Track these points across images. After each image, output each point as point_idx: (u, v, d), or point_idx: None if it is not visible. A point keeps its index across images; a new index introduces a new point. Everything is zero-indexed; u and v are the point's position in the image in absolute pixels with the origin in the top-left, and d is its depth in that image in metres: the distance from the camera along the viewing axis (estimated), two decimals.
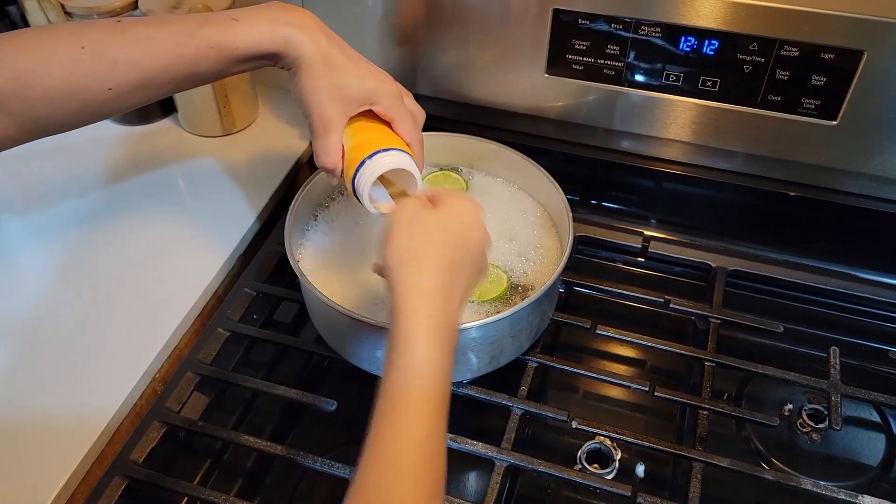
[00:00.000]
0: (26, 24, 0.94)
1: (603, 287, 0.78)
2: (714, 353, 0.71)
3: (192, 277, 0.77)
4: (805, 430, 0.70)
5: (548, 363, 0.71)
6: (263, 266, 0.80)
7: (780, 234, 0.82)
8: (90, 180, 0.88)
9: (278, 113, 0.98)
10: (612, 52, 0.73)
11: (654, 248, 0.82)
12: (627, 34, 0.72)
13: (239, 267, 0.81)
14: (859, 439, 0.71)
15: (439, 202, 0.54)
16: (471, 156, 0.80)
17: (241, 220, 0.83)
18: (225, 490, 0.63)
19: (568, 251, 0.67)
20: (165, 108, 0.97)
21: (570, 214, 0.70)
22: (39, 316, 0.73)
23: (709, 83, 0.72)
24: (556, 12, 0.72)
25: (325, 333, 0.71)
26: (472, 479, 0.67)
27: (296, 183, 0.91)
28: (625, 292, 0.78)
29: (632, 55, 0.73)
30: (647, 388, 0.68)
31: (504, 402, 0.67)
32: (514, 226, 0.75)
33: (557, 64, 0.76)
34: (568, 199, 0.72)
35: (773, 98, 0.71)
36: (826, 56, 0.67)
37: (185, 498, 0.64)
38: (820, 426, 0.69)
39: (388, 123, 0.62)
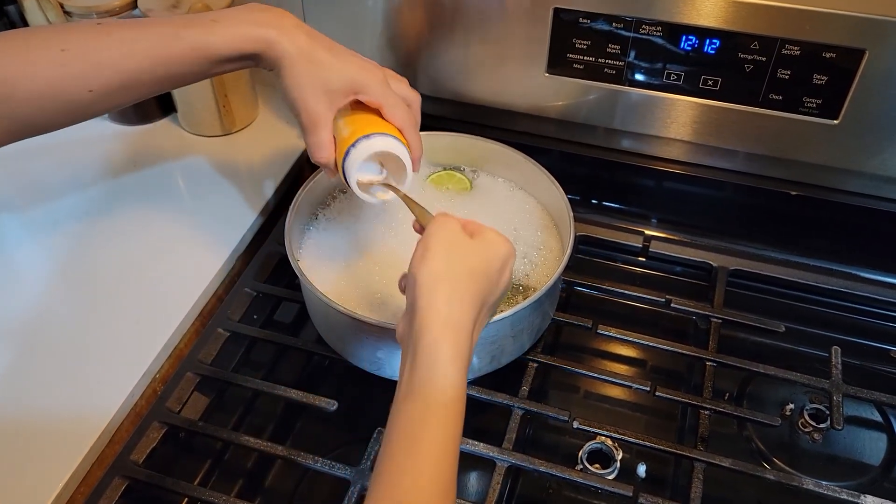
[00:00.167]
0: (25, 24, 0.94)
1: (604, 287, 0.78)
2: (715, 352, 0.71)
3: (192, 277, 0.76)
4: (806, 429, 0.70)
5: (549, 363, 0.71)
6: (263, 266, 0.80)
7: (781, 233, 0.82)
8: (90, 180, 0.87)
9: (278, 112, 0.98)
10: (612, 51, 0.73)
11: (654, 247, 0.82)
12: (628, 33, 0.71)
13: (239, 267, 0.81)
14: (861, 439, 0.71)
15: (476, 232, 0.52)
16: (472, 155, 0.80)
17: (240, 220, 0.83)
18: (225, 491, 0.63)
19: (569, 251, 0.67)
20: (165, 107, 0.97)
21: (571, 214, 0.70)
22: (39, 316, 0.73)
23: (710, 82, 0.72)
24: (557, 11, 0.72)
25: (326, 333, 0.70)
26: (473, 480, 0.67)
27: (296, 182, 0.91)
28: (626, 292, 0.77)
29: (633, 54, 0.73)
30: (648, 388, 0.68)
31: (505, 403, 0.67)
32: (517, 226, 0.75)
33: (558, 63, 0.76)
34: (568, 198, 0.72)
35: (775, 97, 0.71)
36: (827, 55, 0.66)
37: (186, 498, 0.64)
38: (821, 426, 0.69)
39: (378, 112, 0.62)
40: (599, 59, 0.74)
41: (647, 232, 0.84)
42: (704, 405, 0.67)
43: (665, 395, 0.68)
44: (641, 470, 0.66)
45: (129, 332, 0.71)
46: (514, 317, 0.62)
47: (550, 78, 0.77)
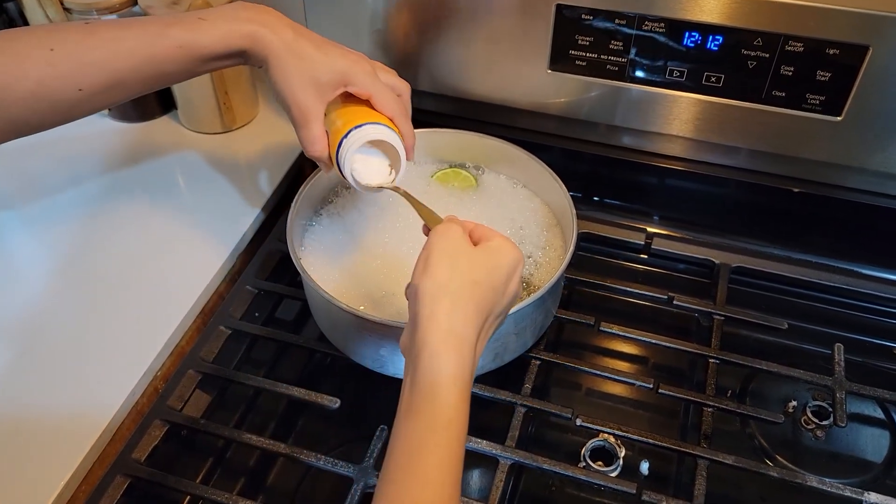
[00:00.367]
0: (25, 21, 0.94)
1: (606, 284, 0.77)
2: (718, 349, 0.71)
3: (193, 275, 0.76)
4: (809, 426, 0.70)
5: (552, 360, 0.70)
6: (265, 263, 0.80)
7: (783, 230, 0.82)
8: (90, 178, 0.87)
9: (279, 110, 0.97)
10: (615, 47, 0.73)
11: (657, 244, 0.82)
12: (631, 29, 0.71)
13: (240, 264, 0.81)
14: (863, 436, 0.71)
15: (483, 238, 0.51)
16: (475, 152, 0.79)
17: (241, 218, 0.83)
18: (227, 489, 0.62)
19: (571, 249, 0.67)
20: (165, 104, 0.96)
21: (574, 212, 0.70)
22: (39, 314, 0.72)
23: (713, 79, 0.72)
24: (560, 8, 0.72)
25: (328, 331, 0.70)
26: (476, 477, 0.67)
27: (296, 179, 0.91)
28: (628, 289, 0.77)
29: (635, 51, 0.72)
30: (651, 386, 0.68)
31: (508, 400, 0.67)
32: (522, 225, 0.75)
33: (560, 60, 0.76)
34: (570, 195, 0.71)
35: (778, 94, 0.70)
36: (831, 51, 0.66)
37: (188, 497, 0.64)
38: (824, 423, 0.69)
39: (368, 104, 0.62)
40: (602, 56, 0.74)
41: (649, 229, 0.84)
42: (707, 402, 0.67)
43: (668, 393, 0.68)
44: (644, 467, 0.66)
45: (130, 329, 0.71)
46: (517, 314, 0.61)
47: (552, 75, 0.77)
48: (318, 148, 0.62)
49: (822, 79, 0.68)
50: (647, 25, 0.71)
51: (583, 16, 0.72)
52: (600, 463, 0.65)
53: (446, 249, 0.49)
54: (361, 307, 0.63)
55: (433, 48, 0.80)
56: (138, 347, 0.69)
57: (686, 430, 0.70)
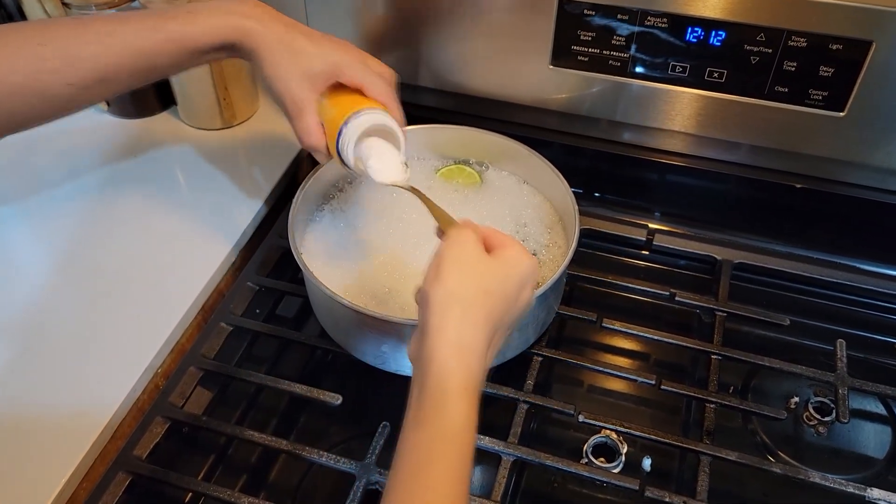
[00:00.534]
0: (23, 16, 0.93)
1: (608, 280, 0.77)
2: (720, 346, 0.71)
3: (194, 271, 0.76)
4: (811, 423, 0.70)
5: (554, 357, 0.70)
6: (266, 260, 0.79)
7: (785, 226, 0.82)
8: (89, 174, 0.87)
9: (279, 106, 0.97)
10: (617, 43, 0.73)
11: (658, 241, 0.82)
12: (633, 25, 0.71)
13: (240, 261, 0.81)
14: (866, 432, 0.71)
15: (497, 246, 0.50)
16: (477, 149, 0.79)
17: (242, 214, 0.82)
18: (229, 485, 0.62)
19: (574, 245, 0.66)
20: (164, 100, 0.96)
21: (577, 208, 0.69)
22: (39, 311, 0.72)
23: (715, 74, 0.72)
24: (562, 3, 0.72)
25: (329, 327, 0.70)
26: (478, 474, 0.67)
27: (297, 175, 0.90)
28: (630, 286, 0.77)
29: (637, 46, 0.72)
30: (653, 382, 0.68)
31: (510, 396, 0.66)
32: (527, 222, 0.74)
33: (562, 55, 0.75)
34: (572, 191, 0.71)
35: (780, 89, 0.70)
36: (834, 46, 0.66)
37: (190, 494, 0.64)
38: (826, 419, 0.69)
39: (359, 92, 0.63)
40: (604, 52, 0.74)
41: (650, 225, 0.84)
42: (710, 398, 0.67)
43: (670, 389, 0.67)
44: (647, 463, 0.66)
45: (131, 326, 0.71)
46: None
47: (554, 70, 0.77)
48: (314, 139, 0.62)
49: (825, 74, 0.68)
50: (649, 21, 0.70)
51: (585, 11, 0.72)
52: (602, 459, 0.65)
53: (459, 257, 0.48)
54: (363, 303, 0.63)
55: (434, 44, 0.80)
56: (139, 344, 0.69)
57: (688, 426, 0.70)
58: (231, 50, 0.62)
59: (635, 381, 0.70)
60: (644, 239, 0.82)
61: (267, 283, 0.77)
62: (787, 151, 0.75)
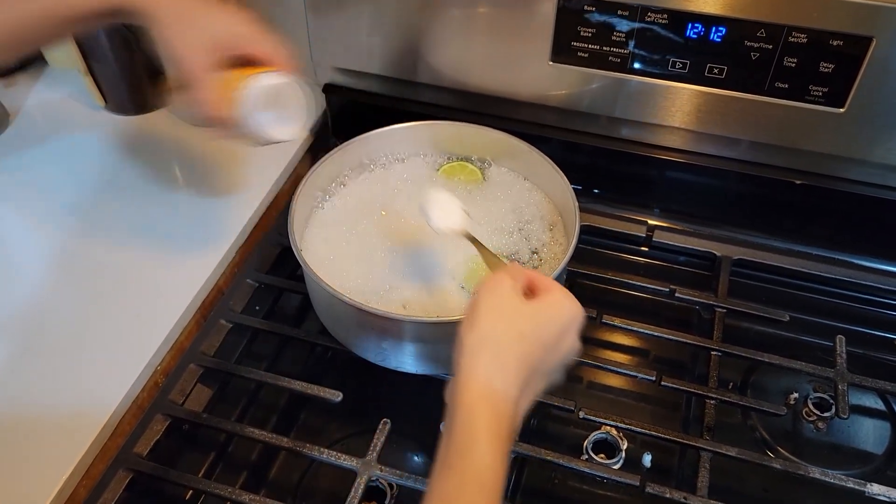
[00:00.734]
0: None
1: (608, 277, 0.77)
2: (720, 342, 0.71)
3: (193, 268, 0.76)
4: (811, 418, 0.70)
5: None
6: (265, 256, 0.79)
7: (785, 222, 0.82)
8: (87, 171, 0.86)
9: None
10: (617, 39, 0.72)
11: (658, 237, 0.82)
12: (633, 21, 0.71)
13: (239, 258, 0.80)
14: (865, 428, 0.71)
15: (540, 290, 0.49)
16: (477, 145, 0.79)
17: (241, 210, 0.82)
18: (230, 483, 0.62)
19: (574, 242, 0.66)
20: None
21: (577, 205, 0.69)
22: (38, 309, 0.72)
23: (715, 70, 0.72)
24: None
25: (330, 324, 0.70)
26: None
27: (296, 171, 0.90)
28: (630, 282, 0.77)
29: (637, 42, 0.72)
30: (653, 378, 0.68)
31: None
32: (529, 219, 0.74)
33: (562, 51, 0.75)
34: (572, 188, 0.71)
35: (781, 85, 0.70)
36: (834, 42, 0.66)
37: (190, 491, 0.64)
38: (826, 415, 0.69)
39: (260, 64, 0.61)
40: (604, 48, 0.73)
41: (650, 222, 0.84)
42: (710, 394, 0.67)
43: (670, 385, 0.68)
44: (647, 460, 0.67)
45: (130, 324, 0.71)
46: None
47: (554, 66, 0.76)
48: (212, 109, 0.59)
49: (826, 70, 0.68)
50: (649, 17, 0.70)
51: (585, 7, 0.71)
52: (603, 455, 0.65)
53: (493, 301, 0.47)
54: (364, 300, 0.63)
55: (434, 40, 0.80)
56: (138, 342, 0.69)
57: (688, 422, 0.70)
58: (116, 16, 0.59)
59: (635, 377, 0.70)
60: (644, 235, 0.82)
61: (266, 279, 0.77)
62: (787, 148, 0.75)
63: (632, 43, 0.72)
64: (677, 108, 0.76)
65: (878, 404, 0.72)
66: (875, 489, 0.60)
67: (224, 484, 0.61)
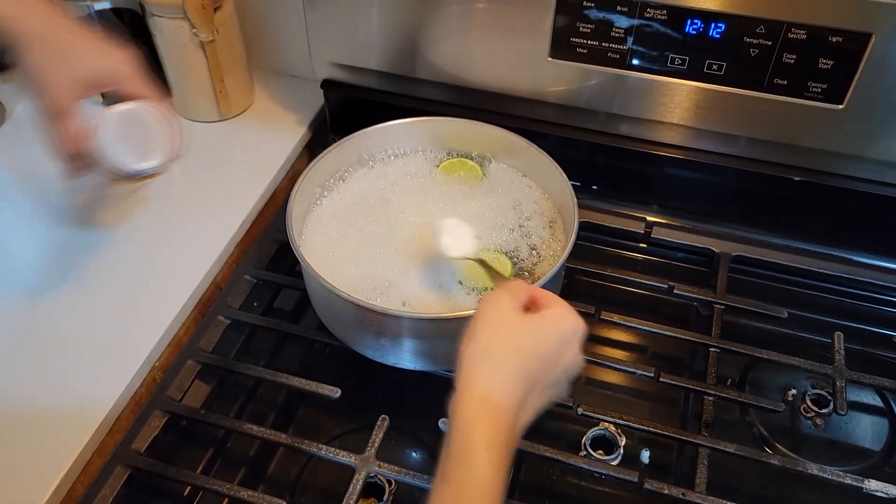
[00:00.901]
0: None
1: (606, 273, 0.77)
2: (718, 338, 0.71)
3: (191, 265, 0.76)
4: (809, 415, 0.70)
5: None
6: (263, 253, 0.79)
7: (783, 219, 0.82)
8: None
9: (275, 97, 0.97)
10: (616, 35, 0.72)
11: (656, 233, 0.82)
12: (632, 17, 0.71)
13: (237, 254, 0.80)
14: (863, 424, 0.71)
15: (542, 305, 0.49)
16: (475, 140, 0.79)
17: (238, 207, 0.82)
18: (228, 479, 0.62)
19: (573, 238, 0.66)
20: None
21: (575, 201, 0.69)
22: (36, 306, 0.72)
23: (714, 66, 0.71)
24: None
25: (328, 321, 0.70)
26: None
27: (295, 167, 0.90)
28: (628, 278, 0.77)
29: (636, 38, 0.72)
30: (651, 374, 0.68)
31: None
32: (530, 216, 0.74)
33: (561, 47, 0.75)
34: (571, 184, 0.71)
35: (780, 82, 0.70)
36: (833, 39, 0.66)
37: (188, 487, 0.64)
38: (824, 411, 0.70)
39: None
40: (603, 44, 0.73)
41: (648, 218, 0.84)
42: (708, 391, 0.67)
43: (669, 381, 0.68)
44: (645, 456, 0.67)
45: (128, 320, 0.71)
46: None
47: (552, 62, 0.76)
48: (75, 145, 0.59)
49: (825, 67, 0.68)
50: (648, 13, 0.70)
51: (584, 3, 0.71)
52: (601, 452, 0.66)
53: (491, 316, 0.48)
54: (362, 296, 0.63)
55: (433, 36, 0.79)
56: (136, 338, 0.69)
57: (686, 418, 0.70)
58: None
59: (634, 373, 0.70)
60: (642, 232, 0.82)
61: (265, 276, 0.77)
62: (786, 144, 0.75)
63: (630, 39, 0.72)
64: (676, 105, 0.76)
65: (876, 401, 0.73)
66: (873, 485, 0.60)
67: (222, 480, 0.61)
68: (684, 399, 0.72)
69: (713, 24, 0.69)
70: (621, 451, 0.65)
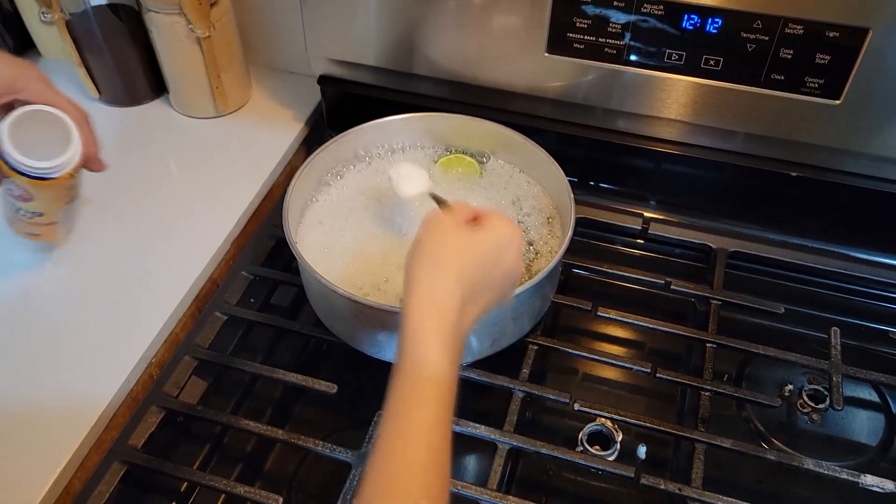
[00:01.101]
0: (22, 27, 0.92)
1: (603, 269, 0.77)
2: (715, 334, 0.71)
3: (187, 261, 0.75)
4: (805, 410, 0.70)
5: (549, 345, 0.70)
6: (260, 249, 0.79)
7: (780, 215, 0.82)
8: None
9: (272, 93, 0.97)
10: (613, 30, 0.72)
11: (653, 229, 0.82)
12: (629, 13, 0.70)
13: (234, 250, 0.80)
14: (859, 419, 0.71)
15: (482, 221, 0.53)
16: (474, 137, 0.79)
17: (235, 203, 0.82)
18: (225, 475, 0.62)
19: (570, 234, 0.66)
20: (157, 88, 0.95)
21: (572, 197, 0.69)
22: (33, 302, 0.72)
23: (711, 62, 0.71)
24: None
25: (325, 317, 0.70)
26: (474, 462, 0.67)
27: (291, 163, 0.90)
28: (625, 274, 0.77)
29: (633, 34, 0.72)
30: (648, 370, 0.68)
31: (506, 385, 0.67)
32: (529, 212, 0.74)
33: (558, 43, 0.75)
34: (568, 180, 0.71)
35: (777, 77, 0.70)
36: (831, 34, 0.66)
37: (185, 483, 0.64)
38: (820, 406, 0.70)
39: None
40: (600, 39, 0.73)
41: (646, 214, 0.84)
42: (704, 386, 0.67)
43: (665, 377, 0.68)
44: (642, 451, 0.67)
45: (124, 316, 0.70)
46: (514, 299, 0.61)
47: (550, 58, 0.76)
48: None
49: (822, 62, 0.68)
50: (645, 8, 0.70)
51: None
52: (598, 447, 0.66)
53: (431, 230, 0.52)
54: (359, 292, 0.63)
55: (430, 31, 0.79)
56: (133, 334, 0.69)
57: (683, 414, 0.70)
58: None
59: (630, 369, 0.70)
60: (639, 228, 0.82)
61: (261, 272, 0.77)
62: (783, 139, 0.75)
63: (628, 34, 0.72)
64: (673, 100, 0.76)
65: (873, 396, 0.73)
66: (869, 480, 0.61)
67: (219, 476, 0.61)
68: (681, 395, 0.72)
69: (710, 20, 0.69)
70: (618, 446, 0.65)
